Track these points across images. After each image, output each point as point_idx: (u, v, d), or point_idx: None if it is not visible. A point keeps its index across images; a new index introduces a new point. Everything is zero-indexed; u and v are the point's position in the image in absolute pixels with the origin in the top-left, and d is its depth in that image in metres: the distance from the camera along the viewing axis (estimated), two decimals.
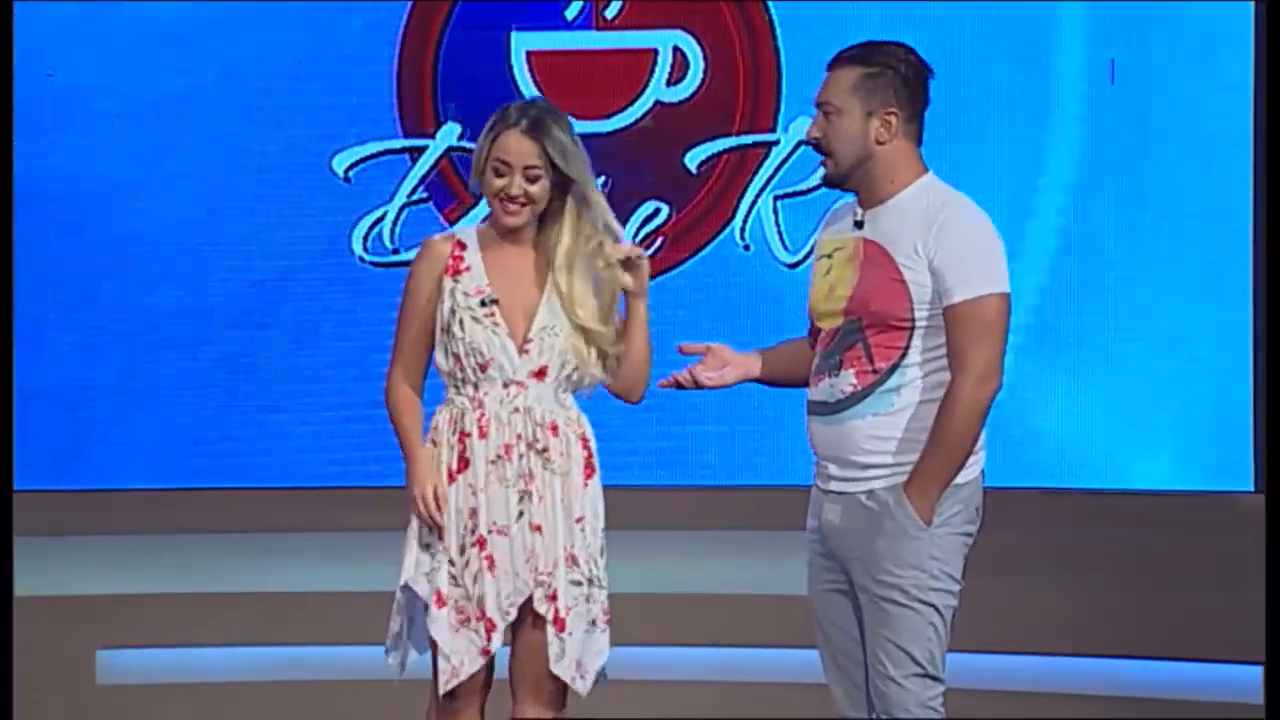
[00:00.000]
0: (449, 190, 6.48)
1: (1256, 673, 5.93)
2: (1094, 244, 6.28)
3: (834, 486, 4.34)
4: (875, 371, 4.28)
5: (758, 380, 4.57)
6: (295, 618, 6.55)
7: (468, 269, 4.49)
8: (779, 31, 6.38)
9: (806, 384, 4.46)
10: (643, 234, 6.47)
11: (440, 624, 4.46)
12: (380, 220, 6.49)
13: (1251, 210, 6.19)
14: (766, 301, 6.38)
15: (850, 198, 4.41)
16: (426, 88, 6.46)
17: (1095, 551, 6.35)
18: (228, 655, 6.62)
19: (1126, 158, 6.29)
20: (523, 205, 4.48)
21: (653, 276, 6.31)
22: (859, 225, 4.34)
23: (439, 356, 4.51)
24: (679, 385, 4.53)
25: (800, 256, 6.36)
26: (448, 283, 4.49)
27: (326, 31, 6.48)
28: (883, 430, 4.29)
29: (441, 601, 4.46)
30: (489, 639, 4.46)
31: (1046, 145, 6.30)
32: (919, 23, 6.30)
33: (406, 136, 6.48)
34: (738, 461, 6.46)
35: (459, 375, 4.49)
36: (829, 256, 4.40)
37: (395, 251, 6.48)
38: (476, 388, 4.48)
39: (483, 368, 4.47)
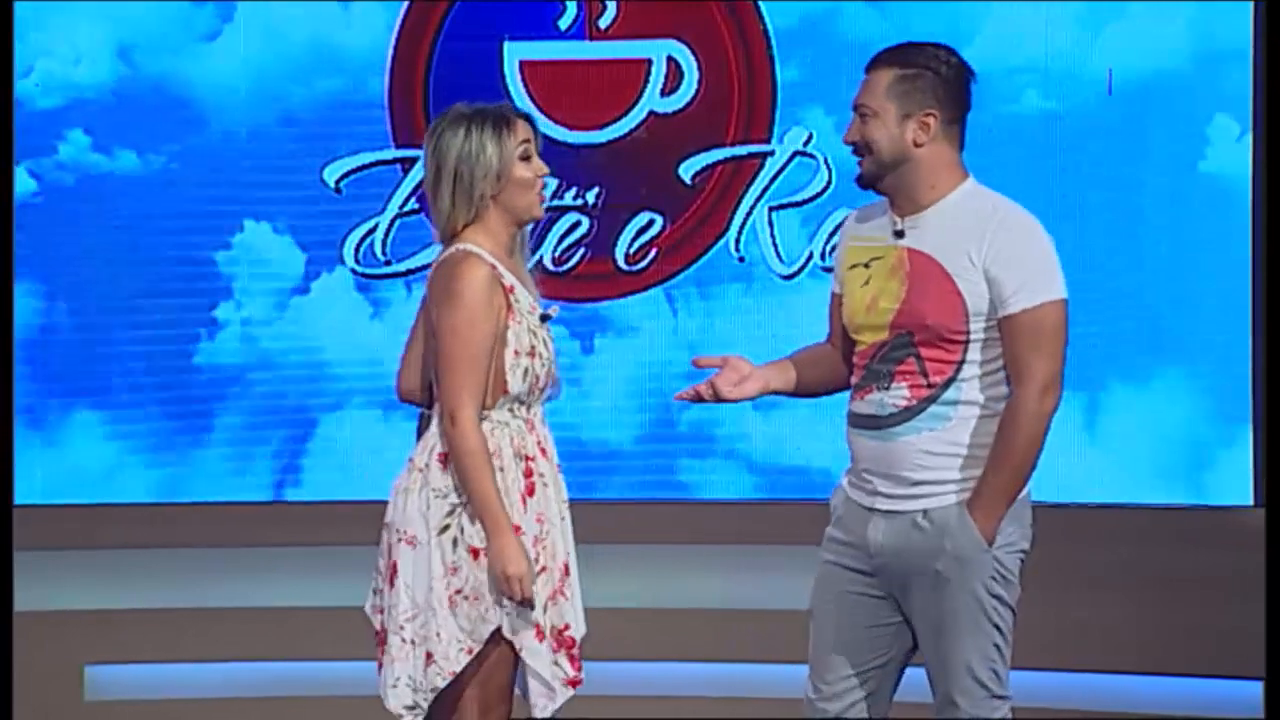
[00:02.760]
0: None
1: (1256, 688, 5.90)
2: (1093, 258, 6.24)
3: (881, 505, 4.19)
4: (930, 386, 4.14)
5: (778, 392, 4.38)
6: (283, 633, 6.51)
7: (511, 287, 4.32)
8: (774, 41, 6.35)
9: (832, 390, 4.36)
10: (636, 245, 6.44)
11: (544, 658, 4.31)
12: (372, 231, 6.45)
13: (1250, 223, 6.16)
14: (762, 313, 6.34)
15: (874, 197, 4.27)
16: (418, 98, 6.42)
17: (1094, 567, 6.32)
18: (216, 671, 6.58)
19: (1124, 169, 6.25)
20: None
21: (647, 288, 6.43)
22: (899, 234, 4.19)
23: (514, 380, 4.27)
24: (698, 399, 4.32)
25: (796, 268, 6.33)
26: (513, 301, 4.30)
27: (317, 41, 6.45)
28: (937, 447, 4.15)
29: (542, 634, 4.31)
30: (578, 667, 4.34)
31: (1044, 157, 6.26)
32: (915, 31, 6.27)
33: (398, 147, 6.44)
34: (729, 476, 6.43)
35: (524, 398, 4.32)
36: (865, 266, 4.22)
37: (387, 263, 6.45)
38: (529, 409, 4.34)
39: (543, 388, 4.35)
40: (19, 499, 6.04)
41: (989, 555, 4.14)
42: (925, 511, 4.16)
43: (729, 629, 6.39)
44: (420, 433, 4.42)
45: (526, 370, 4.29)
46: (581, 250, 6.44)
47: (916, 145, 4.17)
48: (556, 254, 6.44)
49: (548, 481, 4.32)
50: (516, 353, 4.29)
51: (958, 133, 4.22)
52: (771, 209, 6.36)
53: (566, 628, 4.34)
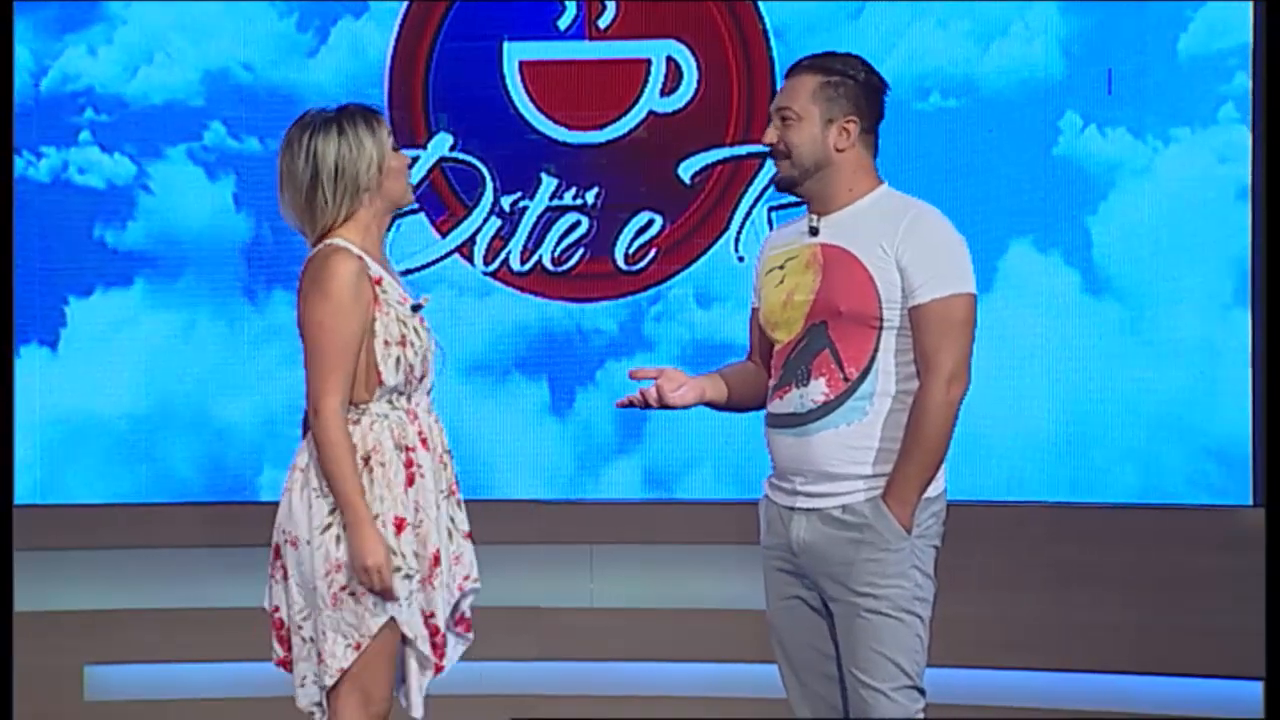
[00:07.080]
0: (440, 201, 6.45)
1: (1256, 688, 5.90)
2: (1093, 259, 6.25)
3: (801, 503, 4.29)
4: (847, 379, 4.24)
5: (711, 403, 4.48)
6: None
7: (379, 279, 4.37)
8: (773, 41, 6.35)
9: (757, 406, 4.44)
10: (636, 245, 6.44)
11: (427, 642, 4.39)
12: None
13: (1250, 225, 6.16)
14: None
15: (794, 217, 4.42)
16: (418, 98, 6.43)
17: (1095, 566, 6.32)
18: (216, 671, 6.58)
19: (1123, 169, 6.25)
20: None
21: (646, 288, 6.43)
22: (814, 232, 4.32)
23: (387, 371, 4.32)
24: (640, 404, 4.42)
25: None
26: (380, 293, 4.35)
27: (317, 40, 6.47)
28: (857, 440, 4.24)
29: (428, 624, 4.38)
30: (442, 655, 4.40)
31: (1043, 157, 6.27)
32: (915, 32, 6.28)
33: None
34: (726, 476, 6.43)
35: (402, 388, 4.37)
36: (780, 268, 4.36)
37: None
38: (409, 399, 4.39)
39: (422, 377, 4.40)
40: (18, 500, 6.05)
41: (909, 544, 4.23)
42: (844, 506, 4.25)
43: (729, 629, 6.39)
44: (305, 434, 4.43)
45: (399, 360, 4.34)
46: (581, 250, 6.45)
47: (838, 150, 4.30)
48: (556, 254, 6.44)
49: (425, 472, 4.36)
50: (386, 343, 4.33)
51: (874, 140, 4.35)
52: (771, 209, 6.36)
53: (431, 615, 4.38)
